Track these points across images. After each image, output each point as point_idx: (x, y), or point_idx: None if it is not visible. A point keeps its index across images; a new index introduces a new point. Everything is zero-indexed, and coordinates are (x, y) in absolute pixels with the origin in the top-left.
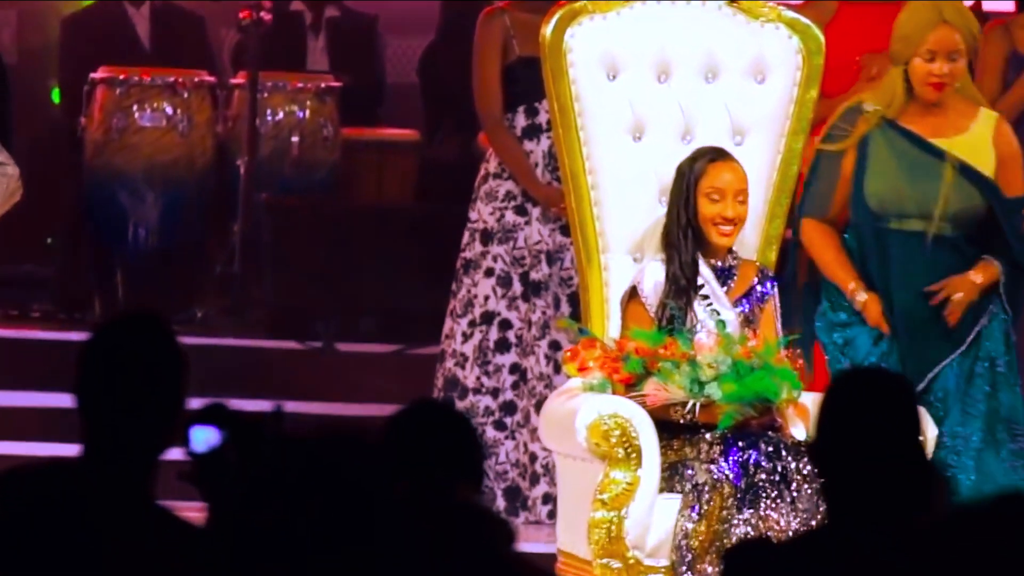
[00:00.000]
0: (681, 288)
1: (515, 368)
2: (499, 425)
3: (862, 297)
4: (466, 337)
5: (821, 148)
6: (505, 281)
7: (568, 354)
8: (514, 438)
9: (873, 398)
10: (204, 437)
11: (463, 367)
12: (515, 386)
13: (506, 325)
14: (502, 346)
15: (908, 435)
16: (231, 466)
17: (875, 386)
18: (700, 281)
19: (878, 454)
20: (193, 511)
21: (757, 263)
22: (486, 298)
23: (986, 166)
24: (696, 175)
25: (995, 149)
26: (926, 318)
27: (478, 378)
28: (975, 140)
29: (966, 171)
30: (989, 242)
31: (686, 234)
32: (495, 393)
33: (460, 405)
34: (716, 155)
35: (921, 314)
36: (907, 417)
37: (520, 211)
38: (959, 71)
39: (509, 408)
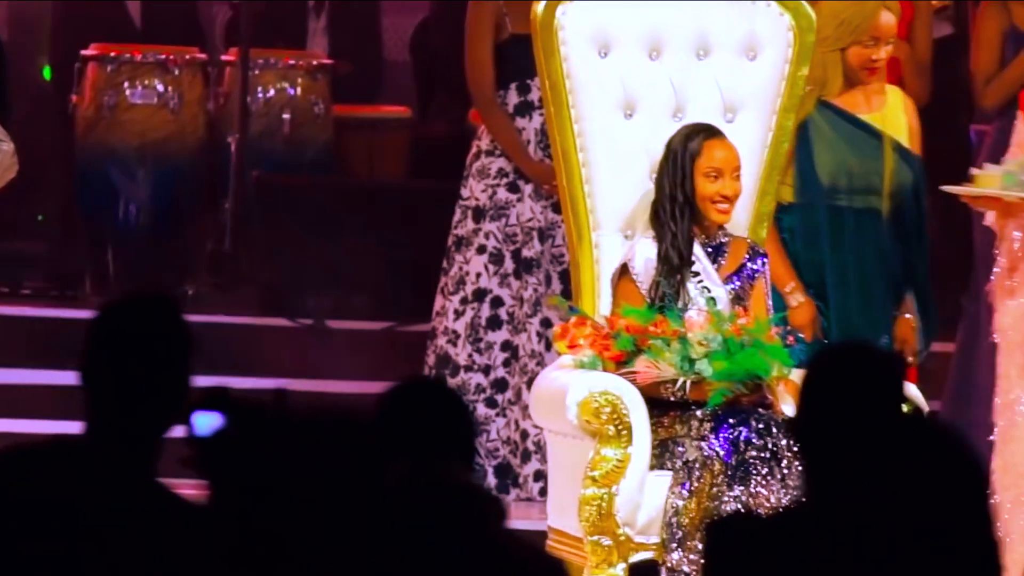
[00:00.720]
0: (674, 267)
1: (507, 345)
2: (490, 402)
3: (799, 299)
4: (458, 314)
5: None
6: (497, 258)
7: (558, 331)
8: (505, 415)
9: (856, 373)
10: (207, 422)
11: (455, 344)
12: (506, 363)
13: (498, 302)
14: (494, 323)
15: (890, 409)
16: (235, 450)
17: (859, 361)
18: (692, 259)
19: (859, 428)
20: (192, 489)
21: (748, 240)
22: (478, 275)
23: (904, 140)
24: (692, 153)
25: (906, 123)
26: (877, 292)
27: (470, 355)
28: (892, 115)
29: (899, 148)
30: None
31: (683, 212)
32: (486, 370)
33: (452, 382)
34: (709, 133)
35: (872, 288)
36: (890, 392)
37: (512, 188)
38: (890, 53)
39: (500, 385)
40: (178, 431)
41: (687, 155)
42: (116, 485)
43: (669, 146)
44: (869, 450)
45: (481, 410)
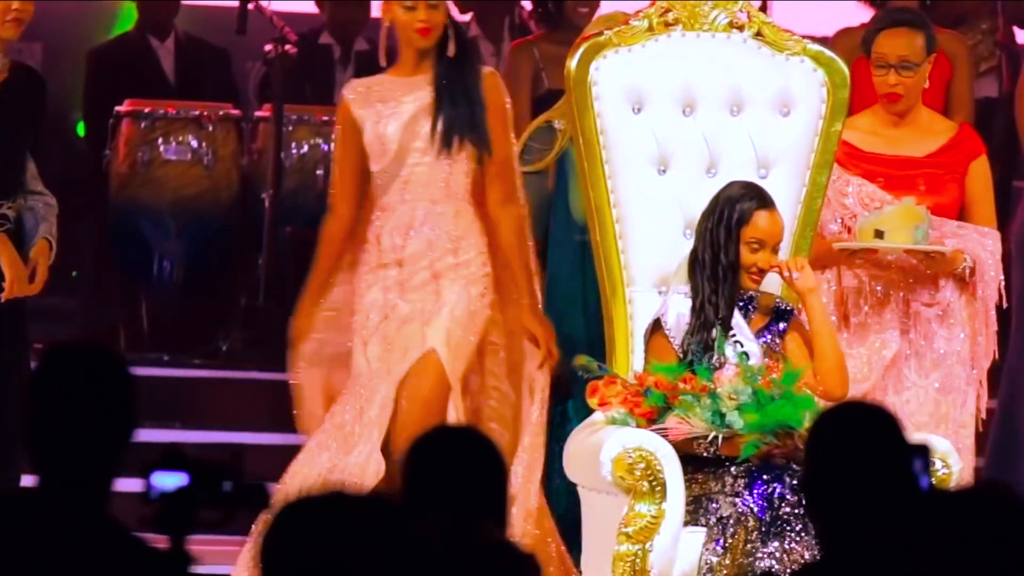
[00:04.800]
0: (707, 321)
1: None
2: None
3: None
4: None
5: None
6: None
7: (589, 389)
8: None
9: (858, 431)
10: (168, 481)
11: None
12: None
13: None
14: None
15: (895, 467)
16: (196, 507)
17: (860, 419)
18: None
19: (864, 487)
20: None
21: (776, 296)
22: None
23: None
24: (740, 220)
25: None
26: None
27: None
28: None
29: None
30: None
31: (726, 275)
32: None
33: None
34: (761, 202)
35: None
36: (893, 448)
37: None
38: None
39: None
40: (134, 488)
41: (735, 219)
42: (74, 532)
43: (719, 198)
44: (877, 510)
45: None
